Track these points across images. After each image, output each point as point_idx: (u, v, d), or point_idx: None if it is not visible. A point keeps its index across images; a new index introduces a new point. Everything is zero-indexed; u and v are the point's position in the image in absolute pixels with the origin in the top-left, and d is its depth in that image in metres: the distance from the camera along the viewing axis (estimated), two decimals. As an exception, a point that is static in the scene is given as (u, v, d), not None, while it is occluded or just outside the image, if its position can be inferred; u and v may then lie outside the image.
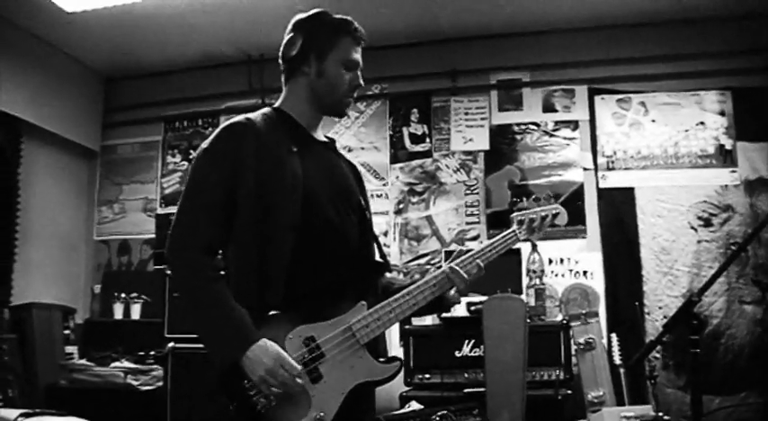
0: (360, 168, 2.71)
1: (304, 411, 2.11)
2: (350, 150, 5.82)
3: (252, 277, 2.19)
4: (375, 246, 2.50)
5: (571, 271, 5.38)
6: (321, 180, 2.33)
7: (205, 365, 2.26)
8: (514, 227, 2.55)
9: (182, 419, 4.67)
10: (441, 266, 2.40)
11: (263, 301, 2.16)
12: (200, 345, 4.45)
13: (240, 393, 2.10)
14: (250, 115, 2.36)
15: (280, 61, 2.50)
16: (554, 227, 2.66)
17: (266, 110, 2.44)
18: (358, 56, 2.46)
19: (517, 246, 2.60)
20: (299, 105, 2.44)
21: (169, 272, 4.54)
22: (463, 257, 2.40)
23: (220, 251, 2.29)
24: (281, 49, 2.47)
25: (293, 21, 2.48)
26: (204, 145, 2.31)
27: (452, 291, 2.41)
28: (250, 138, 2.27)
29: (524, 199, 2.67)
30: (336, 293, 2.24)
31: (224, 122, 2.36)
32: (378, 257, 2.48)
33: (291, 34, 2.45)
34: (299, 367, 2.10)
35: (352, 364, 2.19)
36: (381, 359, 2.24)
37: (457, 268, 2.35)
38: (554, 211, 2.61)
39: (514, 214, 2.59)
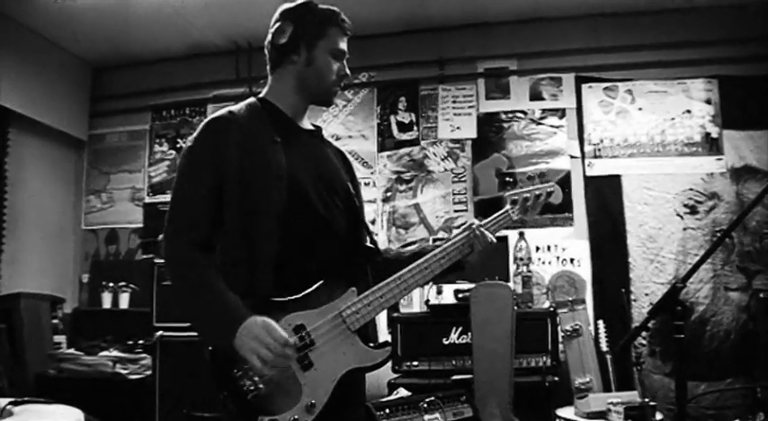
0: (348, 155, 2.72)
1: (295, 399, 2.11)
2: (337, 138, 5.82)
3: (241, 267, 2.20)
4: (365, 232, 2.50)
5: (558, 258, 5.40)
6: (306, 169, 2.33)
7: (197, 354, 2.25)
8: (507, 206, 2.54)
9: (170, 408, 4.68)
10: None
11: (252, 291, 2.17)
12: (189, 334, 4.47)
13: (230, 381, 2.10)
14: (233, 108, 2.37)
15: (266, 50, 2.50)
16: (549, 206, 2.63)
17: (251, 100, 2.44)
18: (345, 46, 2.47)
19: (504, 233, 2.59)
20: (285, 94, 2.45)
21: (160, 262, 4.55)
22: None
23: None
24: (269, 37, 2.47)
25: (280, 10, 2.48)
26: (188, 142, 2.32)
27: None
28: (233, 131, 2.27)
29: (516, 182, 2.64)
30: (325, 281, 2.25)
31: (207, 117, 2.36)
32: (368, 243, 2.48)
33: (280, 23, 2.44)
34: (289, 338, 2.09)
35: (343, 351, 2.19)
36: (372, 344, 2.25)
37: (482, 229, 2.39)
38: (549, 189, 2.58)
39: (507, 193, 2.57)
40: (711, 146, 5.32)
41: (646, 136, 5.42)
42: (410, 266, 2.33)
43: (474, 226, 2.41)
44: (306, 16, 2.43)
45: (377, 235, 5.69)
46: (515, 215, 2.53)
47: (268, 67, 2.50)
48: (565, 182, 5.46)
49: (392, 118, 5.92)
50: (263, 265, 2.18)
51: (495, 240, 2.41)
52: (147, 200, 6.31)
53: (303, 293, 2.20)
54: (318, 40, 2.40)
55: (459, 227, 5.50)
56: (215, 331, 2.14)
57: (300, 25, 2.41)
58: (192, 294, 2.19)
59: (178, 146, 6.24)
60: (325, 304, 2.21)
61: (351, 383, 2.22)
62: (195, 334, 2.24)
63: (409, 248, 2.56)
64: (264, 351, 2.05)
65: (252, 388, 2.09)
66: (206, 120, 2.33)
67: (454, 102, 5.81)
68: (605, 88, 5.55)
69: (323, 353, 2.16)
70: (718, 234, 5.11)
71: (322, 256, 2.29)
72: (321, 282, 2.23)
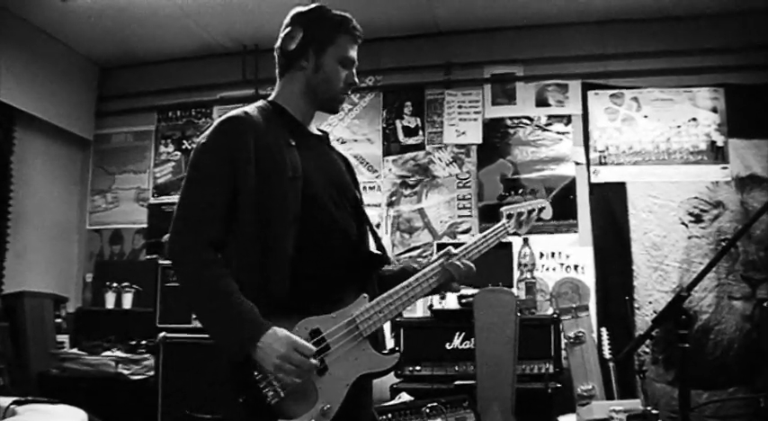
0: (352, 161, 2.72)
1: (311, 403, 2.12)
2: (343, 142, 5.83)
3: (255, 271, 2.18)
4: (372, 238, 2.50)
5: (562, 265, 5.40)
6: (318, 173, 2.34)
7: (209, 357, 2.24)
8: (504, 220, 2.62)
9: (172, 408, 4.68)
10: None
11: (267, 295, 2.15)
12: (192, 335, 4.47)
13: (249, 386, 2.10)
14: (247, 109, 2.35)
15: (276, 54, 2.48)
16: (540, 221, 2.73)
17: (262, 103, 2.43)
18: (354, 54, 2.46)
19: (508, 239, 2.64)
20: (293, 99, 2.44)
21: (167, 263, 4.54)
22: (458, 251, 2.42)
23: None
24: (279, 41, 2.46)
25: (292, 14, 2.46)
26: (202, 139, 2.29)
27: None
28: (249, 132, 2.25)
29: (512, 193, 2.73)
30: (339, 286, 2.26)
31: (222, 116, 2.33)
32: (375, 250, 2.48)
33: (290, 28, 2.43)
34: (312, 346, 2.11)
35: (356, 356, 2.21)
36: (383, 351, 2.27)
37: (454, 261, 2.38)
38: (539, 206, 2.69)
39: (504, 208, 2.66)
40: (717, 154, 5.32)
41: (651, 143, 5.42)
42: (416, 275, 2.35)
43: (444, 260, 2.40)
44: (316, 22, 2.41)
45: (382, 239, 5.69)
46: (511, 229, 2.62)
47: (277, 71, 2.49)
48: (569, 188, 5.47)
49: (398, 122, 5.92)
50: (278, 267, 2.17)
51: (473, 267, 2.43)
52: (152, 200, 6.32)
53: (318, 298, 2.21)
54: (327, 46, 2.40)
55: (463, 232, 5.56)
56: (232, 343, 2.12)
57: (310, 31, 2.40)
58: (205, 301, 2.17)
59: (184, 147, 6.23)
60: (338, 309, 2.21)
61: (361, 388, 2.23)
62: (208, 336, 2.21)
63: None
64: (291, 368, 2.05)
65: (272, 393, 2.09)
66: (221, 119, 2.30)
67: (460, 107, 5.81)
68: (611, 95, 5.55)
69: (337, 358, 2.18)
70: (723, 243, 5.11)
71: (336, 259, 2.30)
72: (335, 286, 2.25)
